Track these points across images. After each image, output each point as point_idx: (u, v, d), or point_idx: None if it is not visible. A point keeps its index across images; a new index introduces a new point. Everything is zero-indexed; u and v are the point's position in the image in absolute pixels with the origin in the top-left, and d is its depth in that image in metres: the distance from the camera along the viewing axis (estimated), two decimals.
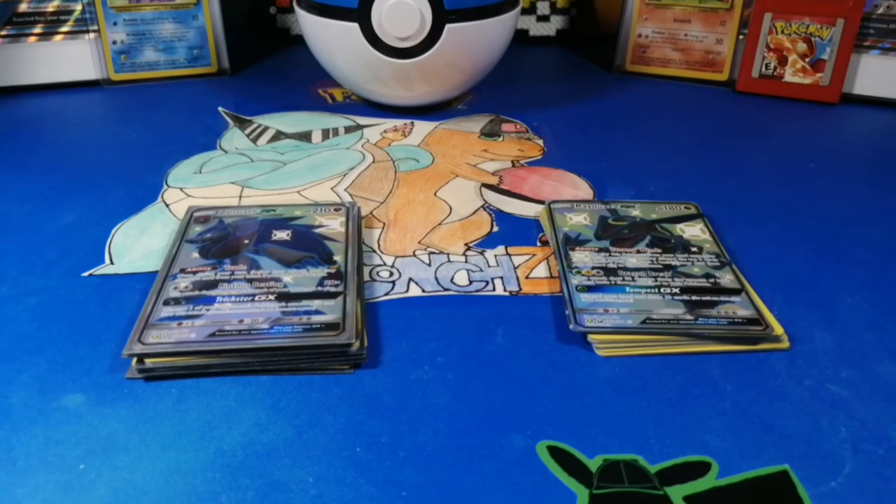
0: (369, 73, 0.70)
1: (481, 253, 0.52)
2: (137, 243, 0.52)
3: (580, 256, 0.49)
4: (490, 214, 0.57)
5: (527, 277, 0.49)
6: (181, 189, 0.59)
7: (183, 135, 0.69)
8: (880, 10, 0.75)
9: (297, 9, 0.72)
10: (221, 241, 0.49)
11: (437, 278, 0.49)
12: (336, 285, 0.45)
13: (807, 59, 0.78)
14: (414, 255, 0.51)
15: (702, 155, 0.67)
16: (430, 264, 0.50)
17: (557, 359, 0.42)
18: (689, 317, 0.43)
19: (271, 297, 0.43)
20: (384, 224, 0.55)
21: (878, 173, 0.65)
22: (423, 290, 0.47)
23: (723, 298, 0.45)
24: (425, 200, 0.58)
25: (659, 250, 0.49)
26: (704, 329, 0.42)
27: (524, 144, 0.69)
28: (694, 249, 0.50)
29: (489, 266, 0.50)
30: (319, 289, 0.44)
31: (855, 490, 0.34)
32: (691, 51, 0.83)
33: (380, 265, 0.50)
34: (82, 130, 0.71)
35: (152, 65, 0.81)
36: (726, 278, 0.47)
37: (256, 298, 0.43)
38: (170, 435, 0.36)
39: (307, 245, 0.49)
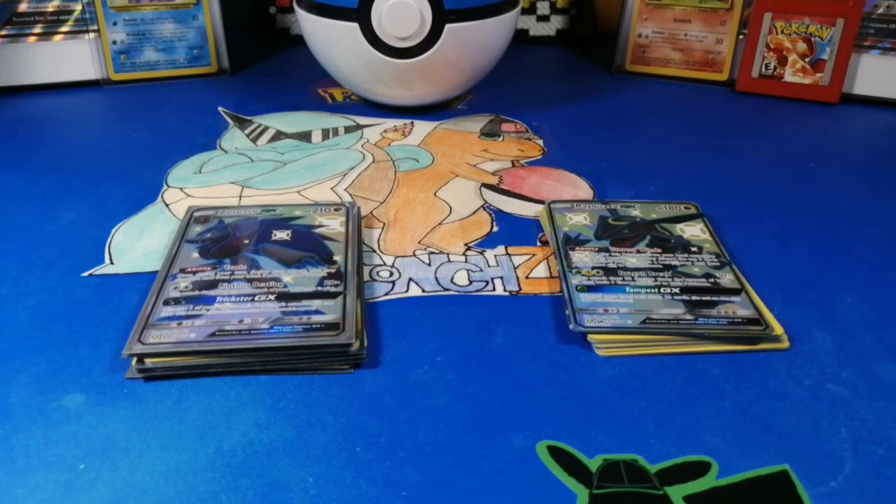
0: (369, 73, 0.70)
1: (481, 253, 0.52)
2: (137, 243, 0.52)
3: (580, 256, 0.49)
4: (490, 214, 0.57)
5: (527, 277, 0.49)
6: (181, 189, 0.59)
7: (183, 135, 0.69)
8: (880, 10, 0.75)
9: (297, 9, 0.72)
10: (221, 240, 0.49)
11: (437, 278, 0.49)
12: (336, 285, 0.45)
13: (807, 59, 0.78)
14: (414, 255, 0.51)
15: (702, 155, 0.67)
16: (430, 264, 0.50)
17: (557, 359, 0.42)
18: (689, 317, 0.43)
19: (271, 297, 0.43)
20: (384, 224, 0.55)
21: (878, 173, 0.65)
22: (423, 290, 0.47)
23: (723, 298, 0.45)
24: (425, 200, 0.58)
25: (659, 250, 0.49)
26: (704, 329, 0.42)
27: (524, 144, 0.69)
28: (694, 249, 0.50)
29: (489, 266, 0.50)
30: (319, 289, 0.44)
31: (855, 490, 0.34)
32: (691, 51, 0.83)
33: (380, 265, 0.50)
34: (82, 130, 0.71)
35: (152, 65, 0.81)
36: (726, 278, 0.47)
37: (256, 298, 0.43)
38: (170, 435, 0.36)
39: (307, 245, 0.49)
